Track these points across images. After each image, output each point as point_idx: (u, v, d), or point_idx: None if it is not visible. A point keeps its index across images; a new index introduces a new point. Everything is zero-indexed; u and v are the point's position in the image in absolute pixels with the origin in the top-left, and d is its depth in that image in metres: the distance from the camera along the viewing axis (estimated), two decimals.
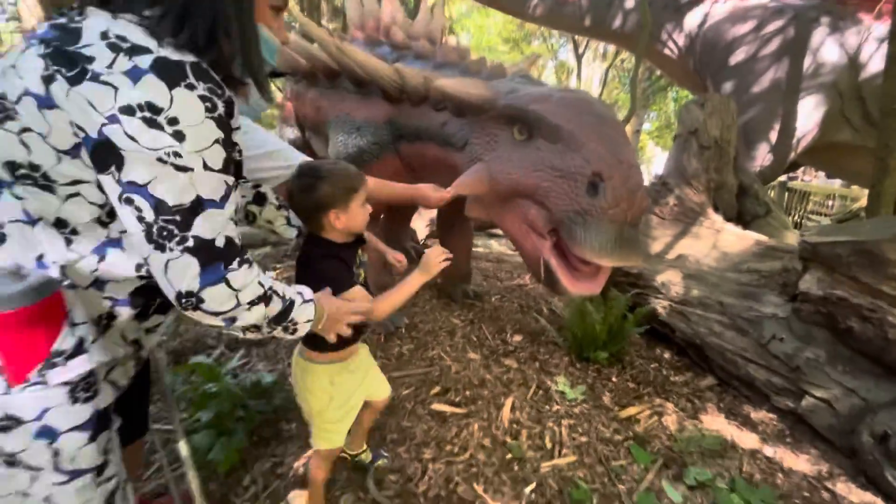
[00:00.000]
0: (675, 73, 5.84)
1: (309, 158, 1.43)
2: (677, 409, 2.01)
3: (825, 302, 1.83)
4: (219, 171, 0.76)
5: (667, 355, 2.58)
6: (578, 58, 15.22)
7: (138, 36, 0.70)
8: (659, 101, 17.78)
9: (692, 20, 4.95)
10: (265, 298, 0.87)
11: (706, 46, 4.84)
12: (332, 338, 1.13)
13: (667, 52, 5.30)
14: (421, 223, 4.99)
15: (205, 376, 1.70)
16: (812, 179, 13.93)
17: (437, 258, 1.26)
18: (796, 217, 9.00)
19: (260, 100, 1.57)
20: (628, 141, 1.45)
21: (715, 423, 1.93)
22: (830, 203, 10.10)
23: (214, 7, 0.75)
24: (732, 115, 3.20)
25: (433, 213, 5.40)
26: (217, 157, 0.75)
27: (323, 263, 1.22)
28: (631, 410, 1.98)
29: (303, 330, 0.99)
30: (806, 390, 1.82)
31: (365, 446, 1.62)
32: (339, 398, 1.32)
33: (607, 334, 2.37)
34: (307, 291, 1.02)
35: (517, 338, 2.60)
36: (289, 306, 0.94)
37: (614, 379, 2.27)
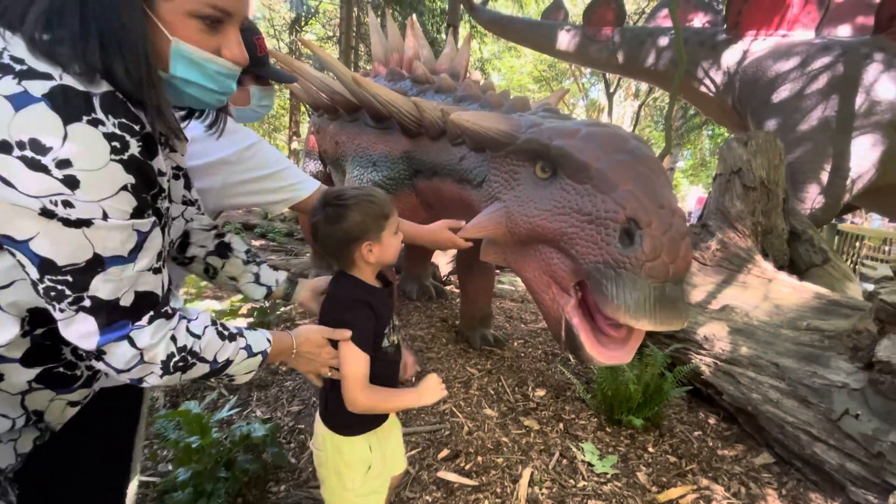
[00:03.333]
0: (711, 111, 5.63)
1: (319, 182, 1.30)
2: (728, 495, 1.69)
3: None
4: (128, 219, 0.63)
5: (712, 421, 2.26)
6: (609, 96, 15.19)
7: (39, 61, 0.57)
8: (694, 139, 17.42)
9: (730, 57, 4.78)
10: (181, 367, 0.74)
11: (746, 83, 4.63)
12: (311, 378, 1.07)
13: (703, 89, 5.11)
14: (444, 259, 4.84)
15: (189, 428, 1.55)
16: (862, 222, 13.08)
17: (436, 388, 1.09)
18: (848, 263, 8.34)
19: (262, 102, 1.44)
20: (669, 182, 1.26)
21: None
22: (886, 249, 9.35)
23: (101, 24, 0.60)
24: (780, 154, 2.95)
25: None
26: (123, 205, 0.62)
27: (349, 313, 1.05)
28: (672, 493, 1.68)
29: (242, 381, 0.89)
30: (893, 484, 1.49)
31: None
32: (378, 466, 1.16)
33: (643, 395, 2.09)
34: (258, 342, 0.88)
35: (540, 392, 2.35)
36: (220, 368, 0.81)
37: (651, 448, 1.97)
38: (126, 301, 0.66)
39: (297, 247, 7.42)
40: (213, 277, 1.12)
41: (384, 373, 1.12)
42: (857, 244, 9.38)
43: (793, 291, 2.30)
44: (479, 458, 1.77)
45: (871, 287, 2.45)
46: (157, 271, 0.70)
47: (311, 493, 1.62)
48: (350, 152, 2.33)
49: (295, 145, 11.21)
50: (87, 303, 0.63)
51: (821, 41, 4.32)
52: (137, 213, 0.64)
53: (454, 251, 5.16)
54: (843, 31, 4.40)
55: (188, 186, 0.99)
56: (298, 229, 8.32)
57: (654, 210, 1.14)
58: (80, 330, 0.65)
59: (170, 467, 1.63)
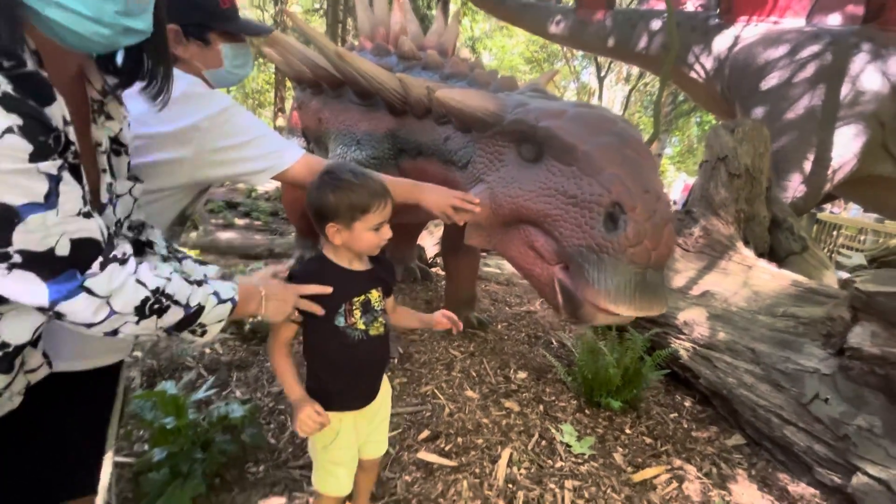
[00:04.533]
0: (700, 97, 5.62)
1: (304, 151, 1.22)
2: (701, 475, 1.74)
3: (881, 361, 1.57)
4: (29, 163, 0.58)
5: (688, 403, 2.32)
6: (600, 80, 15.09)
7: None
8: (682, 126, 17.48)
9: (721, 43, 4.75)
10: (157, 310, 0.73)
11: (736, 70, 4.62)
12: (277, 320, 1.04)
13: (693, 74, 5.09)
14: (430, 241, 4.81)
15: (164, 409, 1.52)
16: (840, 211, 13.38)
17: (307, 422, 1.07)
18: (825, 251, 8.55)
19: (236, 62, 1.27)
20: (656, 166, 1.25)
21: (746, 494, 1.66)
22: (862, 238, 9.60)
23: None
24: (766, 143, 2.97)
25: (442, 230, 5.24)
26: (16, 150, 0.57)
27: (298, 277, 1.09)
28: (647, 473, 1.72)
29: (214, 331, 0.86)
30: (857, 465, 1.54)
31: None
32: (347, 438, 1.18)
33: (622, 378, 2.12)
34: (225, 289, 0.88)
35: (521, 375, 2.37)
36: (194, 314, 0.79)
37: (628, 430, 2.01)
38: (63, 250, 0.63)
39: (282, 226, 7.30)
40: None
41: (340, 354, 1.13)
42: (835, 233, 9.61)
43: (771, 279, 2.34)
44: (459, 440, 1.79)
45: (846, 275, 2.52)
46: (87, 215, 0.66)
47: (290, 474, 1.62)
48: (333, 129, 2.26)
49: (280, 122, 10.94)
50: (16, 258, 0.60)
51: (811, 29, 4.32)
52: (38, 156, 0.59)
53: (440, 233, 5.13)
54: (834, 20, 4.39)
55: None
56: (283, 208, 8.18)
57: (639, 194, 1.13)
58: (21, 289, 0.61)
59: (146, 448, 1.61)
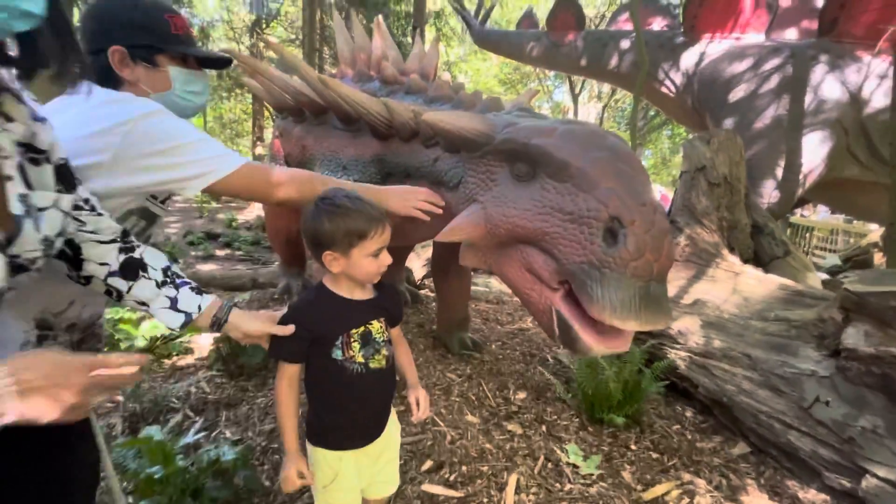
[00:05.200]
0: (672, 111, 5.82)
1: (247, 159, 1.15)
2: (711, 488, 1.71)
3: (878, 361, 1.59)
4: None
5: (689, 414, 2.30)
6: (574, 97, 15.55)
7: None
8: (655, 139, 18.05)
9: (688, 59, 4.95)
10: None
11: (704, 84, 4.80)
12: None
13: (664, 89, 5.27)
14: (418, 263, 4.78)
15: (150, 457, 1.43)
16: (810, 214, 13.89)
17: (288, 481, 1.05)
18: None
19: (188, 88, 1.16)
20: (648, 179, 1.25)
21: None
22: (835, 238, 9.96)
23: None
24: (740, 151, 3.06)
25: (430, 252, 5.21)
26: None
27: (294, 308, 1.07)
28: (657, 490, 1.68)
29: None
30: (865, 468, 1.54)
31: None
32: (347, 480, 1.11)
33: (622, 393, 2.10)
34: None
35: (521, 395, 2.32)
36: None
37: (633, 446, 1.98)
38: None
39: (265, 255, 7.17)
40: (119, 300, 0.95)
41: (338, 388, 1.08)
42: (808, 235, 9.92)
43: (759, 283, 2.37)
44: (464, 468, 1.72)
45: (824, 276, 2.57)
46: None
47: None
48: (318, 156, 2.24)
49: (260, 150, 10.88)
50: None
51: (771, 43, 4.54)
52: None
53: (429, 255, 5.10)
54: (791, 34, 4.63)
55: (64, 176, 0.82)
56: (265, 237, 8.06)
57: (636, 208, 1.13)
58: None
59: (130, 500, 1.50)
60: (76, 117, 0.93)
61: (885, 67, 4.05)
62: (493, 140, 1.42)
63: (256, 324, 1.03)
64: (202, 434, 1.82)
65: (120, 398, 2.15)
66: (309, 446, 1.13)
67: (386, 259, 1.07)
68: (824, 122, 4.14)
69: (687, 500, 1.64)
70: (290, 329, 1.03)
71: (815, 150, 4.15)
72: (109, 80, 1.07)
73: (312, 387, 1.11)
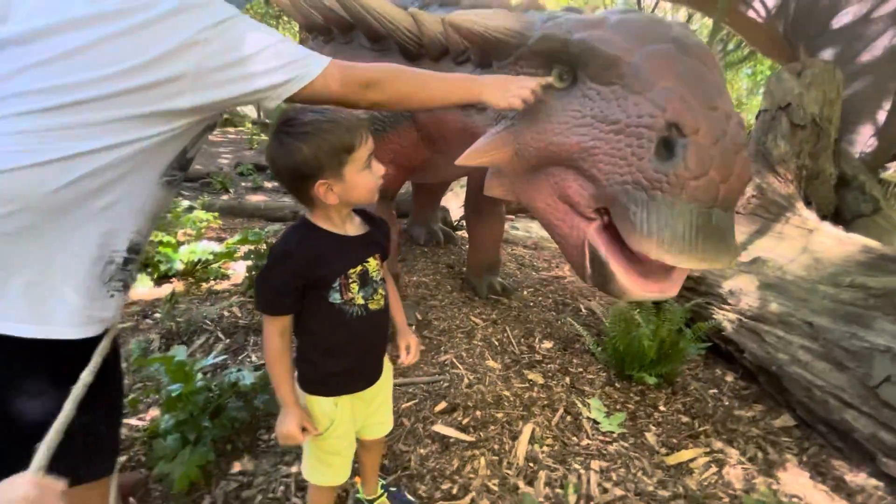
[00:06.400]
0: (758, 40, 5.02)
1: (331, 59, 0.94)
2: (744, 459, 1.59)
3: None
4: None
5: (729, 378, 2.13)
6: None
7: None
8: (731, 79, 16.10)
9: None
10: None
11: (803, 6, 4.05)
12: None
13: (751, 13, 4.51)
14: (455, 203, 4.64)
15: (172, 375, 1.48)
16: None
17: (291, 436, 0.97)
18: None
19: None
20: (724, 81, 1.00)
21: (796, 483, 1.50)
22: None
23: None
24: (838, 87, 2.59)
25: None
26: None
27: (263, 269, 0.95)
28: (682, 455, 1.58)
29: None
30: None
31: (380, 491, 1.31)
32: (343, 426, 1.06)
33: (657, 352, 1.95)
34: None
35: (547, 344, 2.23)
36: None
37: (662, 407, 1.86)
38: None
39: None
40: None
41: (338, 334, 0.99)
42: None
43: (837, 243, 2.06)
44: (478, 413, 1.69)
45: None
46: None
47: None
48: None
49: None
50: None
51: None
52: None
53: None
54: None
55: None
56: None
57: (703, 112, 0.90)
58: None
59: (157, 414, 1.59)
60: (141, 37, 0.81)
61: None
62: (528, 39, 1.19)
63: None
64: (226, 356, 1.88)
65: (159, 314, 2.27)
66: (301, 394, 1.05)
67: (379, 168, 0.95)
68: None
69: (715, 468, 1.53)
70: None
71: None
72: None
73: (307, 334, 1.02)
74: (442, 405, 1.72)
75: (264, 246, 2.52)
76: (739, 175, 0.92)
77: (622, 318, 2.05)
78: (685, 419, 1.78)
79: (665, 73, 0.94)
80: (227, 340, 2.12)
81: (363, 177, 0.92)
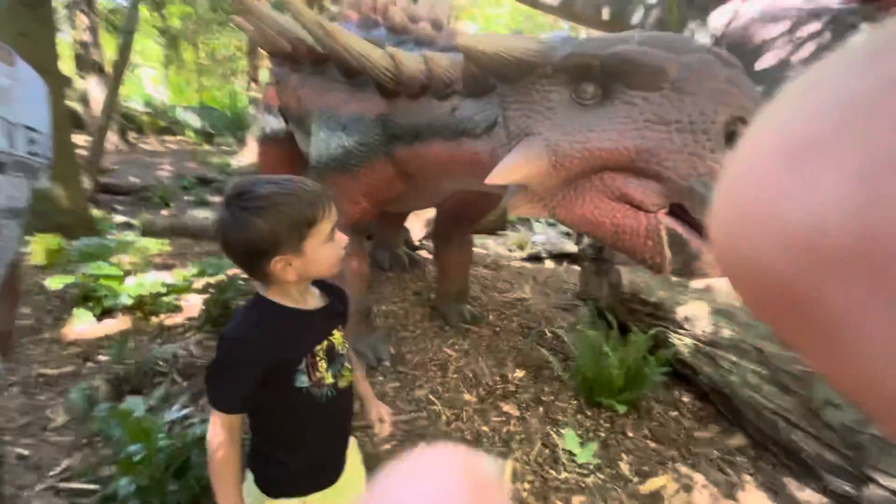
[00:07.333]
0: None
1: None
2: (708, 482, 1.69)
3: None
4: None
5: (686, 399, 2.27)
6: None
7: None
8: None
9: (718, 19, 4.58)
10: None
11: (732, 48, 4.48)
12: None
13: None
14: (417, 223, 4.64)
15: (130, 435, 1.35)
16: None
17: None
18: None
19: None
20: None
21: (755, 503, 1.62)
22: None
23: None
24: None
25: (431, 212, 5.04)
26: None
27: (212, 365, 0.84)
28: (654, 483, 1.65)
29: None
30: (870, 476, 1.51)
31: None
32: None
33: (624, 379, 2.04)
34: None
35: (519, 373, 2.27)
36: None
37: (630, 433, 1.94)
38: None
39: None
40: None
41: (306, 422, 0.89)
42: None
43: None
44: None
45: None
46: None
47: None
48: (315, 111, 2.04)
49: (254, 93, 10.34)
50: None
51: (811, 6, 4.19)
52: None
53: (430, 214, 4.94)
54: None
55: None
56: None
57: (758, 104, 1.00)
58: None
59: (112, 472, 1.45)
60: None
61: None
62: (551, 58, 1.23)
63: None
64: (188, 409, 1.75)
65: (104, 358, 2.07)
66: (260, 499, 0.91)
67: (342, 238, 0.88)
68: None
69: (684, 495, 1.62)
70: None
71: None
72: None
73: (269, 429, 0.90)
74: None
75: (225, 278, 2.39)
76: None
77: (589, 346, 2.13)
78: (653, 445, 1.88)
79: (713, 75, 1.03)
80: (186, 384, 1.98)
81: (325, 250, 0.85)
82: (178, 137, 12.18)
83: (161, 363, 2.07)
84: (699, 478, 1.71)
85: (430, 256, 4.31)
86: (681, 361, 2.30)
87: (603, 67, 1.15)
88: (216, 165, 9.32)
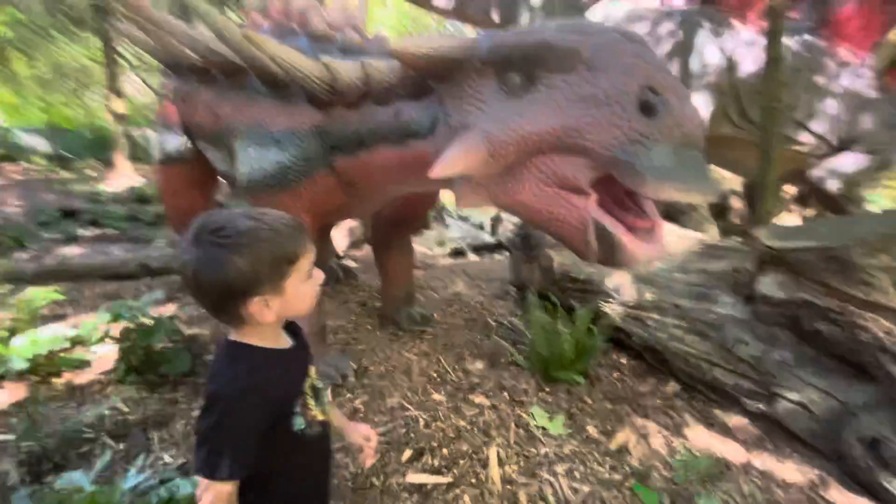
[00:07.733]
0: None
1: None
2: (660, 428, 1.93)
3: (788, 304, 1.88)
4: None
5: (624, 360, 2.54)
6: None
7: None
8: None
9: (594, 18, 5.11)
10: None
11: None
12: None
13: None
14: (339, 234, 4.51)
15: None
16: None
17: None
18: None
19: None
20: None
21: (699, 437, 1.89)
22: None
23: None
24: None
25: (350, 222, 4.92)
26: None
27: (235, 398, 0.77)
28: (619, 439, 1.85)
29: None
30: (778, 393, 1.85)
31: None
32: None
33: (575, 352, 2.23)
34: None
35: (478, 365, 2.36)
36: None
37: (587, 399, 2.14)
38: None
39: (146, 232, 6.16)
40: None
41: (306, 464, 0.88)
42: None
43: (678, 239, 2.64)
44: (445, 451, 1.71)
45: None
46: None
47: None
48: (240, 127, 1.90)
49: (118, 107, 9.03)
50: None
51: (665, 8, 4.87)
52: None
53: (350, 224, 4.83)
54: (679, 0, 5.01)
55: None
56: (143, 211, 6.96)
57: (665, 76, 1.11)
58: None
59: None
60: None
61: (751, 36, 4.61)
62: (479, 52, 1.29)
63: None
64: (144, 477, 1.53)
65: (7, 437, 1.73)
66: None
67: (319, 275, 0.87)
68: (707, 86, 4.63)
69: (645, 443, 1.83)
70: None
71: (702, 110, 4.65)
72: None
73: (269, 482, 0.84)
74: (408, 453, 1.70)
75: (150, 321, 2.12)
76: (698, 119, 1.14)
77: (542, 327, 2.29)
78: (609, 406, 2.08)
79: (622, 51, 1.13)
80: (122, 447, 1.73)
81: (305, 287, 0.83)
82: (23, 165, 10.29)
83: (85, 428, 1.79)
84: (652, 426, 1.95)
85: (358, 265, 4.23)
86: (614, 327, 2.58)
87: (524, 56, 1.23)
88: (83, 194, 8.05)
